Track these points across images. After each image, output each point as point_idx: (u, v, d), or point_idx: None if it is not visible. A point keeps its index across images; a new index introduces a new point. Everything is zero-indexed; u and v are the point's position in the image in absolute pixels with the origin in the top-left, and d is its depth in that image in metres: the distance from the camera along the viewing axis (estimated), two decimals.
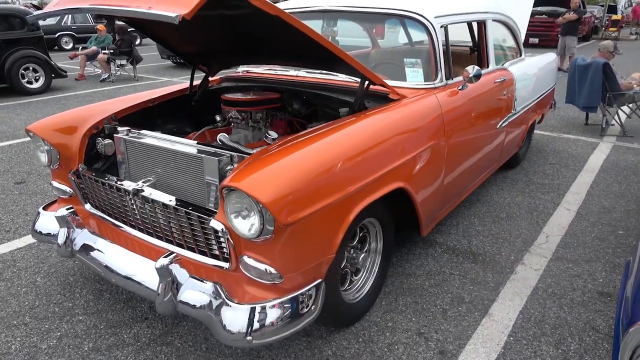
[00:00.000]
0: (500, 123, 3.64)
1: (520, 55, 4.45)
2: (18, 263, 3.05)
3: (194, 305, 1.98)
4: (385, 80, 2.68)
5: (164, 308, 2.02)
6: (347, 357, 2.22)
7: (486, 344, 2.32)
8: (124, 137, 2.49)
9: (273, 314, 1.87)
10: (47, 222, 2.69)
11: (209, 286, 1.98)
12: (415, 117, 2.58)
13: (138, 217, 2.33)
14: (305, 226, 1.87)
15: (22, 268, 2.99)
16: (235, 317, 1.86)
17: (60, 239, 2.50)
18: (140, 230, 2.37)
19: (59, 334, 2.40)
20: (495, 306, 2.60)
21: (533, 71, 4.49)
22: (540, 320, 2.49)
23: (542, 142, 5.71)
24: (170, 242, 2.24)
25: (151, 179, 2.33)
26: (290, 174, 1.85)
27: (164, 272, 1.99)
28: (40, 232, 2.70)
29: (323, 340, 2.34)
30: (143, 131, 2.54)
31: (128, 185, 2.30)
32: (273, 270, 1.87)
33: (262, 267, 1.88)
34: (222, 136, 2.55)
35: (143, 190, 2.22)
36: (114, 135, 2.56)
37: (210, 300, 1.95)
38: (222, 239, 2.00)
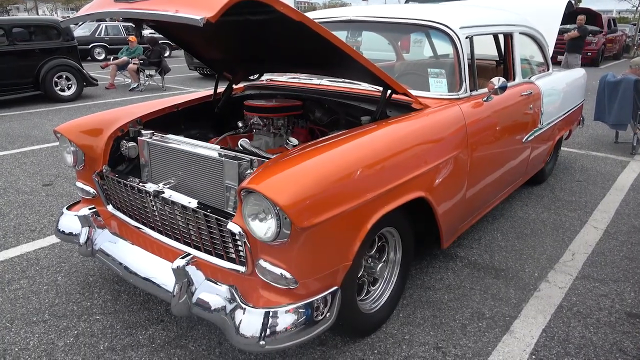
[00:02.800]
0: (525, 137, 3.57)
1: (548, 70, 4.38)
2: (41, 262, 3.10)
3: (208, 307, 1.97)
4: (409, 90, 2.66)
5: (179, 309, 2.02)
6: None
7: None
8: (148, 140, 2.53)
9: (287, 320, 1.85)
10: (70, 221, 2.73)
11: (224, 289, 1.97)
12: (438, 126, 2.54)
13: (158, 218, 2.35)
14: (322, 231, 1.85)
15: (44, 267, 3.04)
16: (249, 321, 1.85)
17: (82, 239, 2.54)
18: (160, 232, 2.39)
19: (76, 332, 2.42)
20: (517, 323, 2.51)
21: (561, 86, 4.41)
22: (564, 339, 2.40)
23: (569, 159, 5.58)
24: (188, 244, 2.25)
25: (172, 181, 2.36)
26: (309, 178, 1.84)
27: (180, 273, 1.99)
28: (62, 231, 2.74)
29: (338, 350, 2.30)
30: (167, 135, 2.57)
31: (149, 186, 2.32)
32: (288, 275, 1.85)
33: (278, 271, 1.86)
34: (243, 141, 2.57)
35: (163, 192, 2.24)
36: (138, 138, 2.60)
37: (225, 303, 1.94)
38: (239, 242, 2.00)
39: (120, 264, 2.32)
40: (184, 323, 2.48)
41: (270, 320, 1.83)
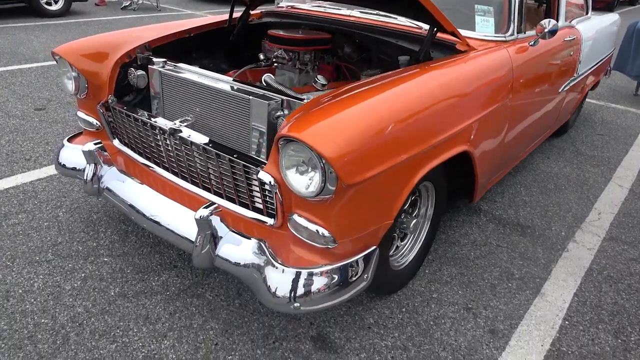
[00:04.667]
0: (562, 86, 3.32)
1: (587, 13, 4.05)
2: (39, 195, 2.89)
3: (234, 261, 1.80)
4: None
5: (201, 261, 1.85)
6: (390, 328, 2.07)
7: (540, 326, 2.15)
8: (160, 69, 2.24)
9: (323, 281, 1.69)
10: (72, 155, 2.48)
11: (252, 243, 1.79)
12: (487, 72, 2.28)
13: (173, 159, 2.12)
14: (368, 188, 1.65)
15: (43, 200, 2.83)
16: (282, 280, 1.68)
17: (87, 175, 2.31)
18: (174, 173, 2.18)
19: (83, 275, 2.26)
20: (548, 286, 2.41)
21: (598, 32, 4.09)
22: (597, 305, 2.31)
23: (588, 110, 5.35)
24: (208, 189, 2.05)
25: (189, 118, 2.11)
26: (357, 127, 1.60)
27: (203, 224, 1.80)
28: (63, 165, 2.50)
29: (364, 307, 2.18)
30: (180, 64, 2.28)
31: (164, 123, 2.08)
32: (327, 233, 1.66)
33: (315, 228, 1.67)
34: (267, 77, 2.29)
35: (181, 131, 2.00)
36: (149, 66, 2.31)
37: (254, 259, 1.76)
38: (269, 193, 1.81)
39: (132, 207, 2.11)
40: (198, 270, 2.33)
41: (304, 280, 1.67)
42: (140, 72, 2.40)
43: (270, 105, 1.87)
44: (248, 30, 2.98)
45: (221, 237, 1.84)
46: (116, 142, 2.47)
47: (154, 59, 2.32)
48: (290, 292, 1.67)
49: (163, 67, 2.27)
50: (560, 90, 3.31)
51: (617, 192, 3.47)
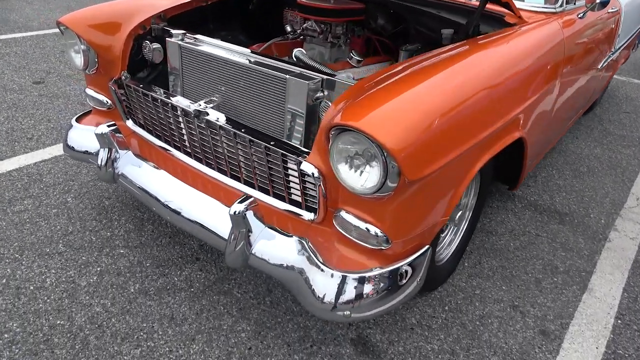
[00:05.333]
0: (602, 62, 3.11)
1: None
2: (45, 178, 2.68)
3: (273, 262, 1.62)
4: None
5: (234, 260, 1.67)
6: (435, 329, 1.92)
7: (592, 326, 2.01)
8: (179, 42, 2.00)
9: (375, 285, 1.52)
10: (82, 137, 2.28)
11: (293, 241, 1.61)
12: (541, 49, 2.06)
13: (197, 144, 1.92)
14: (428, 183, 1.47)
15: (49, 184, 2.63)
16: (329, 285, 1.51)
17: (101, 160, 2.10)
18: (197, 159, 1.98)
19: (99, 269, 2.08)
20: (595, 280, 2.27)
21: (632, 3, 3.85)
22: None
23: (611, 86, 5.14)
24: (237, 178, 1.85)
25: (215, 99, 1.89)
26: (417, 115, 1.39)
27: (238, 220, 1.61)
28: (73, 147, 2.29)
29: (404, 305, 2.03)
30: (201, 37, 2.05)
31: (186, 104, 1.86)
32: (380, 233, 1.48)
33: (367, 227, 1.49)
34: (298, 52, 2.08)
35: (207, 113, 1.79)
36: (167, 39, 2.07)
37: (296, 260, 1.58)
38: (310, 186, 1.62)
39: (153, 196, 1.92)
40: (222, 263, 2.16)
41: (356, 285, 1.50)
42: (155, 45, 2.17)
43: (309, 86, 1.66)
44: None
45: (256, 235, 1.66)
46: (130, 123, 2.25)
47: (172, 31, 2.08)
48: (339, 298, 1.50)
49: (182, 39, 2.04)
50: (599, 66, 3.10)
51: None
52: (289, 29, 2.39)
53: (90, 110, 2.42)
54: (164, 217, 1.89)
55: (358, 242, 1.54)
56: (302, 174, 1.61)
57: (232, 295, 2.00)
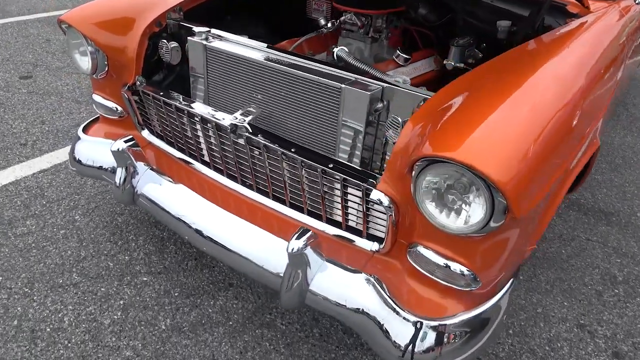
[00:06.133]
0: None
1: None
2: (46, 192, 2.41)
3: (336, 301, 1.41)
4: None
5: (290, 300, 1.46)
6: (503, 357, 1.75)
7: None
8: (204, 42, 1.74)
9: (462, 331, 1.32)
10: (92, 150, 2.01)
11: (360, 278, 1.40)
12: (614, 44, 1.84)
13: (231, 161, 1.67)
14: (527, 217, 1.26)
15: (52, 200, 2.36)
16: (408, 332, 1.31)
17: (119, 180, 1.84)
18: (231, 178, 1.74)
19: (122, 302, 1.85)
20: None
21: None
22: None
23: None
24: (281, 201, 1.62)
25: (252, 109, 1.64)
26: (516, 138, 1.16)
27: (297, 259, 1.39)
28: (81, 161, 2.03)
29: None
30: (227, 34, 1.79)
31: (220, 117, 1.60)
32: (470, 273, 1.28)
33: (454, 266, 1.29)
34: (341, 51, 1.83)
35: (247, 129, 1.54)
36: (189, 38, 1.80)
37: (366, 301, 1.38)
38: (377, 214, 1.40)
39: (186, 223, 1.68)
40: (259, 288, 1.95)
41: (441, 333, 1.30)
42: (173, 44, 1.89)
43: (371, 97, 1.42)
44: None
45: (314, 269, 1.45)
46: (145, 134, 1.99)
47: (194, 28, 1.81)
48: (422, 348, 1.30)
49: (206, 38, 1.77)
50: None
51: None
52: (323, 22, 2.12)
53: (98, 118, 2.15)
54: (201, 248, 1.66)
55: (439, 281, 1.33)
56: (367, 201, 1.39)
57: (276, 328, 1.79)
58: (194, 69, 1.84)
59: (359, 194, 1.41)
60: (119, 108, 1.99)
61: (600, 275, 2.17)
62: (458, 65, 1.99)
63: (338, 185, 1.44)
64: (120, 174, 1.82)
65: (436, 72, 2.10)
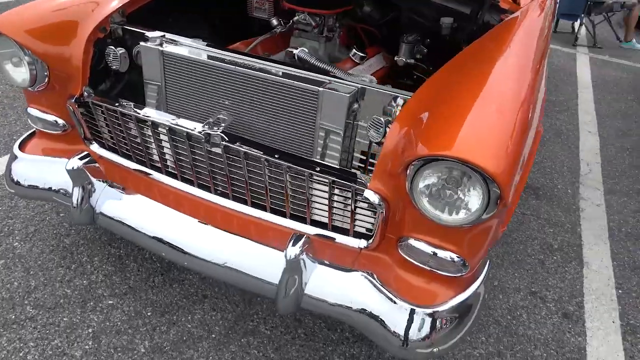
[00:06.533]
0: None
1: None
2: None
3: (334, 302, 1.44)
4: None
5: (287, 306, 1.46)
6: (474, 332, 1.90)
7: (601, 300, 2.13)
8: (161, 48, 1.65)
9: (456, 314, 1.42)
10: (34, 169, 1.84)
11: (356, 277, 1.44)
12: (542, 36, 2.04)
13: (206, 171, 1.62)
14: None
15: None
16: (409, 322, 1.37)
17: (77, 201, 1.70)
18: (204, 188, 1.68)
19: (90, 330, 1.72)
20: (586, 253, 2.41)
21: None
22: (634, 266, 2.36)
23: None
24: (261, 207, 1.60)
25: (223, 117, 1.58)
26: (499, 131, 1.26)
27: (294, 265, 1.40)
28: (21, 183, 1.84)
29: None
30: (182, 39, 1.71)
31: (192, 126, 1.54)
32: (457, 258, 1.38)
33: (445, 255, 1.37)
34: (301, 52, 1.84)
35: (223, 137, 1.50)
36: (142, 44, 1.70)
37: (365, 298, 1.42)
38: (365, 212, 1.45)
39: (160, 240, 1.59)
40: (236, 296, 1.92)
41: (441, 318, 1.39)
42: (121, 50, 1.77)
43: (350, 99, 1.46)
44: None
45: (308, 273, 1.46)
46: (95, 147, 1.84)
47: (147, 33, 1.72)
48: (425, 336, 1.38)
49: (161, 44, 1.68)
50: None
51: (591, 140, 3.59)
52: (275, 22, 2.09)
53: (34, 132, 1.96)
54: (181, 263, 1.59)
55: (431, 269, 1.41)
56: (356, 201, 1.43)
57: (261, 334, 1.78)
58: (149, 76, 1.74)
59: (347, 194, 1.44)
60: (62, 122, 1.83)
61: (539, 245, 2.42)
62: (409, 61, 2.09)
63: (324, 188, 1.46)
64: (77, 193, 1.68)
65: (387, 69, 2.18)
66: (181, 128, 1.54)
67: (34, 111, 1.84)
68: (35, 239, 2.08)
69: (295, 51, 1.83)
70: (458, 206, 1.25)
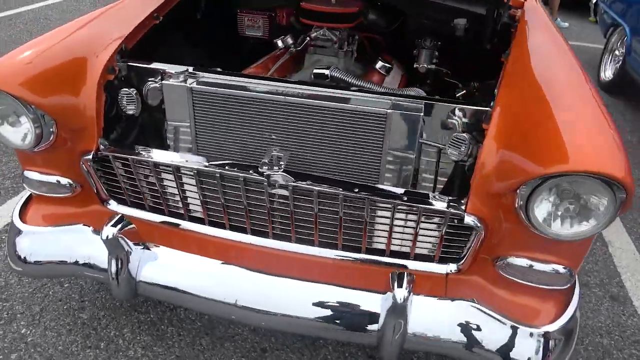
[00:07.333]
0: None
1: None
2: None
3: (435, 336, 1.34)
4: None
5: (393, 351, 1.33)
6: None
7: (637, 277, 2.19)
8: (188, 85, 1.45)
9: (571, 330, 1.36)
10: (45, 242, 1.58)
11: (461, 305, 1.35)
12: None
13: (264, 216, 1.44)
14: None
15: None
16: (531, 348, 1.30)
17: (115, 273, 1.45)
18: (259, 234, 1.50)
19: None
20: (605, 232, 2.47)
21: None
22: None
23: None
24: (331, 245, 1.46)
25: (279, 154, 1.41)
26: (603, 135, 1.21)
27: (401, 309, 1.27)
28: (25, 259, 1.56)
29: None
30: (203, 73, 1.50)
31: (248, 170, 1.35)
32: (562, 270, 1.31)
33: (551, 268, 1.31)
34: (335, 71, 1.71)
35: (288, 177, 1.33)
36: (163, 82, 1.49)
37: (472, 326, 1.33)
38: (459, 237, 1.35)
39: (233, 304, 1.39)
40: (296, 343, 1.74)
41: (557, 338, 1.33)
42: (133, 91, 1.55)
43: (422, 117, 1.36)
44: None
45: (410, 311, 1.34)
46: (114, 206, 1.59)
47: (168, 69, 1.51)
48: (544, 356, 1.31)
49: (186, 80, 1.48)
50: None
51: None
52: (290, 40, 1.92)
53: (30, 197, 1.67)
54: (259, 324, 1.41)
55: (536, 286, 1.34)
56: (449, 226, 1.33)
57: None
58: (174, 117, 1.54)
59: (436, 220, 1.34)
60: (69, 181, 1.57)
61: None
62: (430, 66, 2.02)
63: (410, 216, 1.35)
64: (114, 265, 1.44)
65: (406, 77, 2.09)
66: (236, 174, 1.36)
67: (32, 174, 1.57)
68: (45, 320, 1.78)
69: (326, 71, 1.69)
70: (582, 218, 1.19)
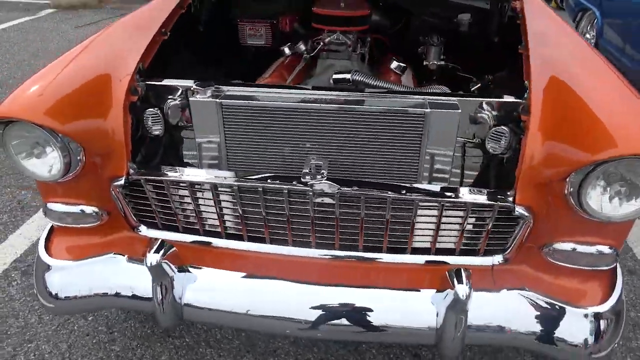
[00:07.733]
0: None
1: None
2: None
3: (497, 325, 1.35)
4: None
5: (455, 348, 1.34)
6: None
7: None
8: (217, 100, 1.42)
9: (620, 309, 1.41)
10: (76, 276, 1.51)
11: (513, 296, 1.37)
12: None
13: (309, 226, 1.42)
14: None
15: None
16: (583, 326, 1.34)
17: (160, 300, 1.40)
18: (301, 244, 1.48)
19: None
20: None
21: None
22: None
23: None
24: (376, 248, 1.45)
25: (318, 162, 1.39)
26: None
27: (462, 305, 1.28)
28: (57, 295, 1.50)
29: None
30: (231, 88, 1.47)
31: (291, 181, 1.33)
32: (608, 250, 1.35)
33: (596, 249, 1.34)
34: (357, 75, 1.71)
35: (334, 185, 1.32)
36: (194, 99, 1.45)
37: (529, 315, 1.35)
38: (505, 229, 1.37)
39: (292, 319, 1.36)
40: (339, 350, 1.73)
41: (610, 317, 1.36)
42: (157, 110, 1.51)
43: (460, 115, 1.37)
44: (214, 7, 2.14)
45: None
46: (145, 231, 1.53)
47: (193, 86, 1.47)
48: (600, 337, 1.35)
49: (214, 96, 1.44)
50: None
51: None
52: (303, 47, 1.90)
53: (52, 229, 1.60)
54: (314, 335, 1.39)
55: (581, 267, 1.38)
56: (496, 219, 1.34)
57: None
58: (202, 133, 1.50)
59: (483, 214, 1.35)
60: (94, 210, 1.51)
61: None
62: (440, 63, 2.04)
63: (456, 213, 1.36)
64: (159, 292, 1.39)
65: (415, 75, 2.11)
66: (280, 186, 1.34)
67: (56, 206, 1.50)
68: (76, 357, 1.70)
69: (347, 75, 1.68)
70: (631, 198, 1.22)
